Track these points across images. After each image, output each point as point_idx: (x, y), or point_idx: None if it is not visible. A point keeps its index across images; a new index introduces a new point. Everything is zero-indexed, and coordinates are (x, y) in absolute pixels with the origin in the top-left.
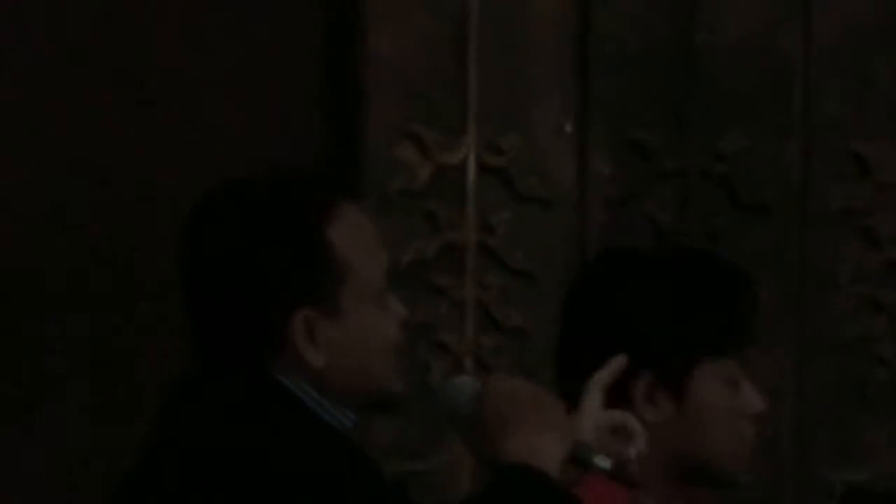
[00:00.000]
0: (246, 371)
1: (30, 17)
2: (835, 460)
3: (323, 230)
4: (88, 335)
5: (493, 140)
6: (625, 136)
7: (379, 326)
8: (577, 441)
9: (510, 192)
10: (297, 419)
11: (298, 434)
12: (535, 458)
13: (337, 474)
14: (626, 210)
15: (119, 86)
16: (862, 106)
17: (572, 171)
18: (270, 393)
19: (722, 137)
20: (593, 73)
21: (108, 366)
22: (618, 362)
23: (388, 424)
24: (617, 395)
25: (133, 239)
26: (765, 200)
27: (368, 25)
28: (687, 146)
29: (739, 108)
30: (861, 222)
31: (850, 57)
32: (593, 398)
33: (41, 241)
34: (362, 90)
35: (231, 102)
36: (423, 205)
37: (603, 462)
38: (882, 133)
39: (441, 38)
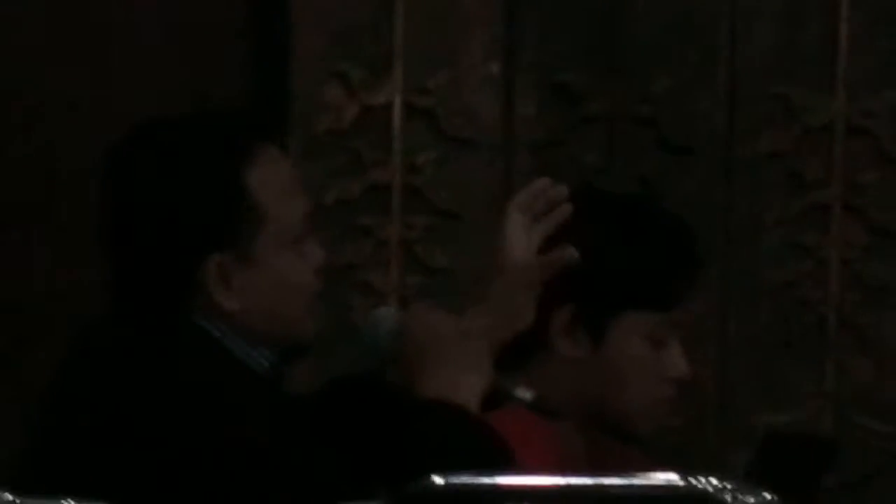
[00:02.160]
0: (163, 313)
1: None
2: (758, 404)
3: (240, 175)
4: None
5: (420, 80)
6: (551, 79)
7: (294, 272)
8: (498, 376)
9: (436, 132)
10: (209, 355)
11: (200, 362)
12: (456, 392)
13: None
14: (552, 152)
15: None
16: (788, 50)
17: (498, 113)
18: (184, 333)
19: (648, 80)
20: (520, 15)
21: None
22: (540, 183)
23: (311, 365)
24: (538, 323)
25: (55, 170)
26: (691, 144)
27: None
28: (613, 89)
29: (666, 51)
30: (786, 166)
31: (777, 0)
32: (514, 222)
33: None
34: (290, 30)
35: (158, 38)
36: (349, 144)
37: (523, 394)
38: (808, 77)
39: None
